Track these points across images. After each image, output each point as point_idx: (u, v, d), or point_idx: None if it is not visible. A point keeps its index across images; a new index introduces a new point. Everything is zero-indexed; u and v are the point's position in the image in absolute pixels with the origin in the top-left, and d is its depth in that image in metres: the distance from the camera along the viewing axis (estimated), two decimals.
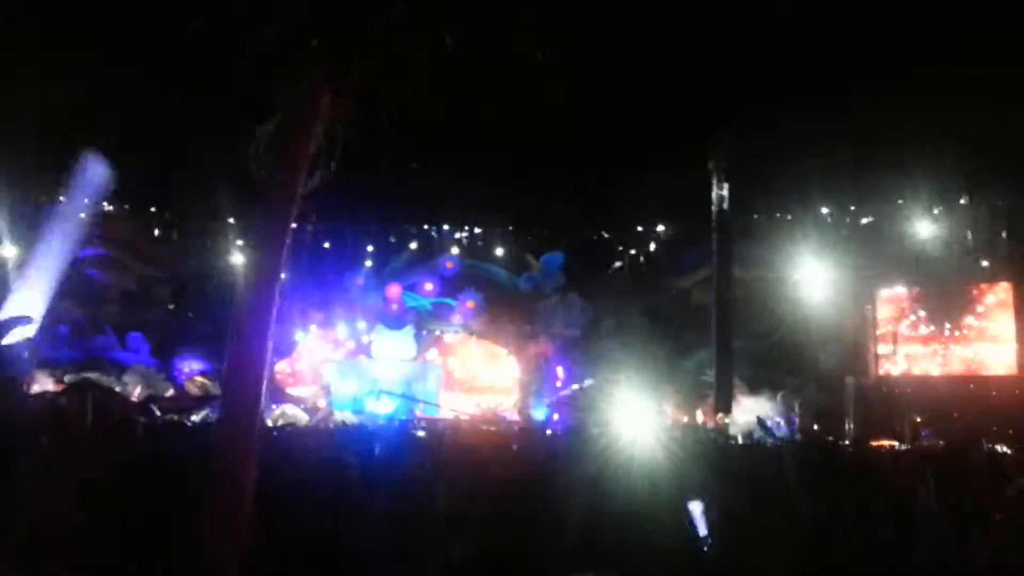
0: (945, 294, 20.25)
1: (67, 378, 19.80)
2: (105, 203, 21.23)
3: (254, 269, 1.98)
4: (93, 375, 19.98)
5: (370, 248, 26.34)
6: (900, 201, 21.40)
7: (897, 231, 21.86)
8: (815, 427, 18.50)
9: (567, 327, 25.53)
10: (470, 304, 26.23)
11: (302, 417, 18.26)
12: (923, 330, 21.08)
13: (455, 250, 26.70)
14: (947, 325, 20.29)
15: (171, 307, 23.89)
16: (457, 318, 26.34)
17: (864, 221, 22.82)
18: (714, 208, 20.12)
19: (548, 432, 16.25)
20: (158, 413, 14.51)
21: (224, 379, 1.95)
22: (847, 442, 16.16)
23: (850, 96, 18.41)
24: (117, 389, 18.76)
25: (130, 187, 21.74)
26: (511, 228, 26.11)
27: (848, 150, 18.83)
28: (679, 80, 19.44)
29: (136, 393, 19.86)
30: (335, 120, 2.03)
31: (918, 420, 18.33)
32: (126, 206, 23.53)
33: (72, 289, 22.44)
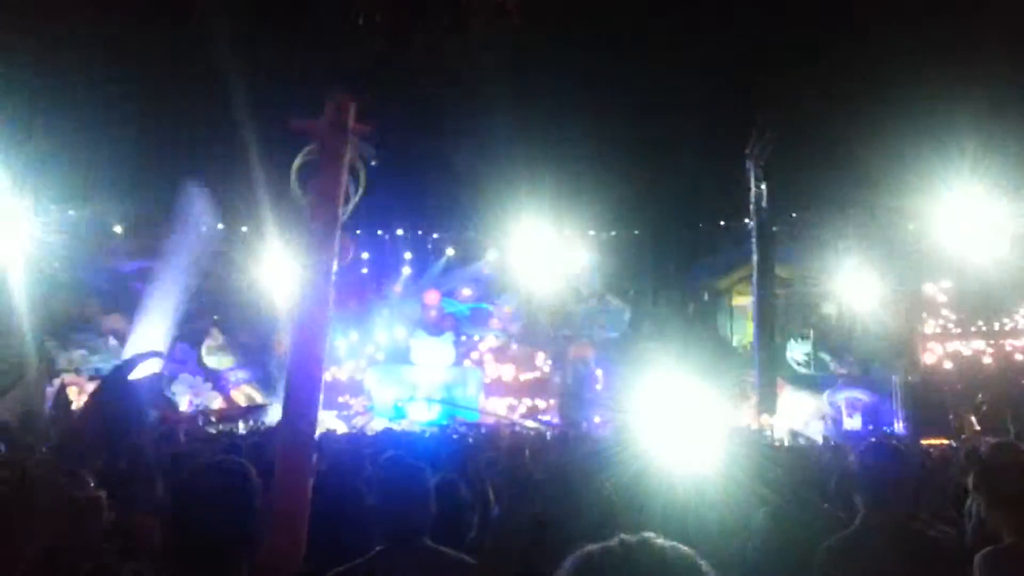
0: (994, 288, 19.73)
1: None
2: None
3: (306, 288, 2.02)
4: None
5: (408, 255, 26.49)
6: (947, 195, 20.91)
7: (943, 225, 21.36)
8: (862, 426, 18.20)
9: (606, 330, 25.42)
10: (508, 308, 26.28)
11: (339, 425, 18.46)
12: (970, 325, 20.62)
13: (492, 255, 26.76)
14: (996, 320, 19.82)
15: (215, 317, 24.31)
16: (495, 322, 26.43)
17: (909, 217, 22.33)
18: (752, 206, 19.86)
19: (587, 434, 16.20)
20: (212, 420, 14.81)
21: (285, 390, 2.00)
22: (896, 442, 15.82)
23: (893, 92, 18.07)
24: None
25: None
26: (549, 231, 26.02)
27: (890, 145, 18.47)
28: (719, 76, 19.27)
29: (185, 403, 20.30)
30: (364, 141, 2.05)
31: (972, 418, 17.93)
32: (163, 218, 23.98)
33: (119, 301, 23.05)
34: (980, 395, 18.18)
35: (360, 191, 2.24)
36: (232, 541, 2.08)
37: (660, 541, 1.10)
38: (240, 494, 2.22)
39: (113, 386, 1.55)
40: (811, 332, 22.98)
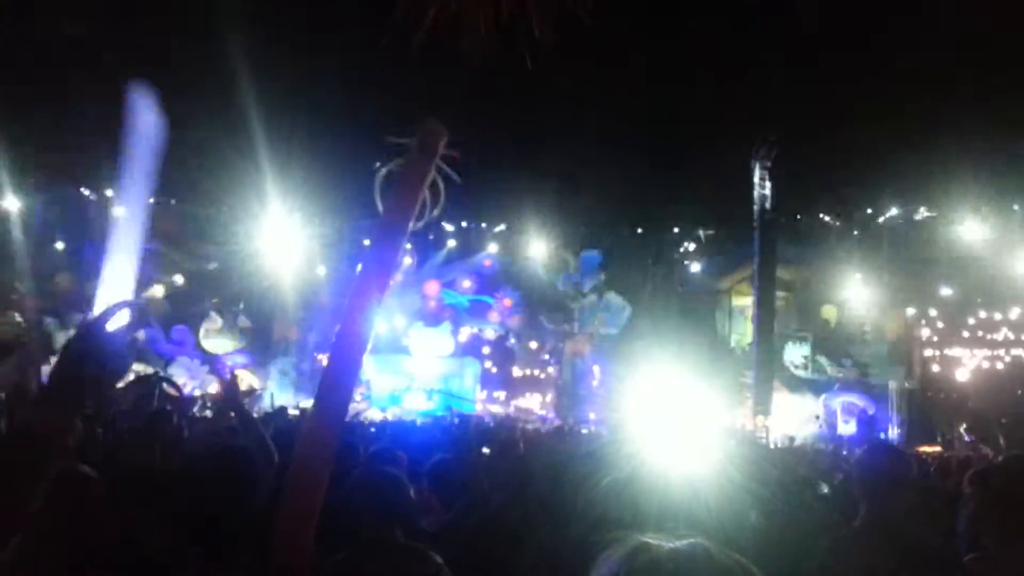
0: (993, 296, 19.75)
1: (130, 372, 20.30)
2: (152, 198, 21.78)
3: (359, 290, 2.09)
4: (139, 366, 20.46)
5: (408, 245, 26.42)
6: (948, 204, 20.91)
7: (944, 234, 21.36)
8: (857, 431, 18.23)
9: (605, 326, 25.43)
10: (507, 302, 26.28)
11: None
12: (969, 333, 20.62)
13: (493, 248, 26.74)
14: (996, 329, 19.82)
15: (215, 300, 24.31)
16: (495, 315, 26.43)
17: (911, 223, 22.34)
18: (756, 208, 19.85)
19: (584, 431, 16.23)
20: (209, 405, 14.79)
21: (323, 378, 2.04)
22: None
23: (900, 97, 18.02)
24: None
25: (184, 184, 22.25)
26: (550, 226, 26.03)
27: (894, 152, 18.46)
28: (724, 80, 19.23)
29: (183, 386, 20.26)
30: (445, 163, 2.15)
31: (964, 427, 17.95)
32: (172, 200, 23.98)
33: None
34: (970, 402, 18.21)
35: (435, 211, 2.36)
36: (236, 526, 2.12)
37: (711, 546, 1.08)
38: (246, 481, 2.25)
39: (88, 338, 1.54)
40: (810, 335, 23.01)
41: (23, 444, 1.39)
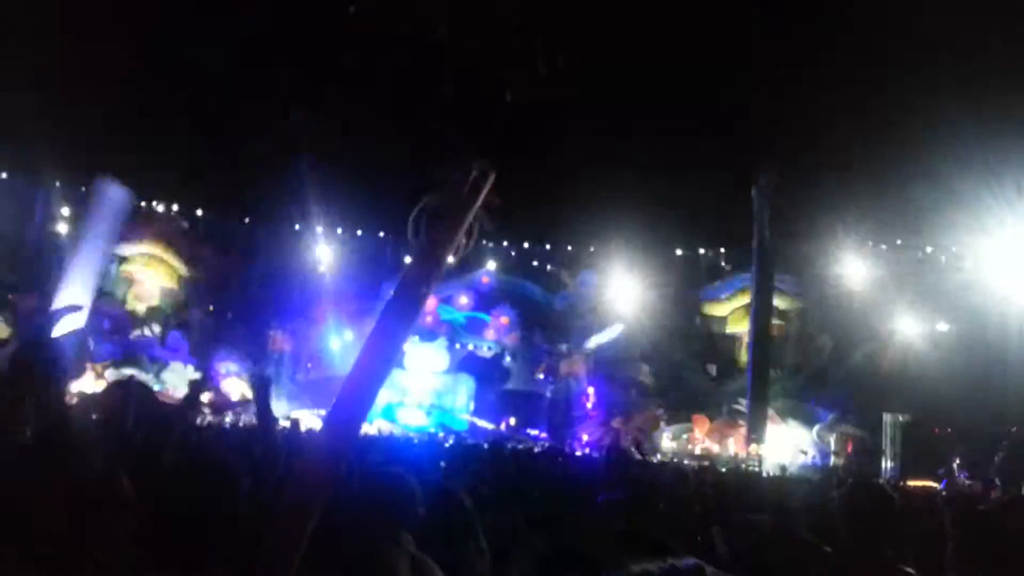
0: (992, 332, 19.71)
1: (107, 373, 20.28)
2: (143, 203, 21.95)
3: (392, 308, 2.10)
4: (132, 371, 20.39)
5: (407, 259, 26.43)
6: (947, 237, 20.94)
7: (943, 265, 21.40)
8: (851, 463, 18.13)
9: (600, 347, 25.37)
10: (504, 320, 26.25)
11: (317, 424, 18.33)
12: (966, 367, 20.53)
13: (491, 265, 26.76)
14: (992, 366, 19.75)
15: (210, 308, 24.28)
16: (491, 333, 26.39)
17: (909, 254, 22.39)
18: (755, 236, 19.88)
19: (577, 453, 16.15)
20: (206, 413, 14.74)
21: (340, 396, 2.03)
22: (883, 481, 15.77)
23: (901, 130, 18.12)
24: (156, 388, 19.07)
25: (179, 189, 22.33)
26: (548, 246, 26.09)
27: (893, 183, 18.53)
28: (725, 107, 19.37)
29: (177, 392, 20.18)
30: (485, 206, 2.18)
31: (957, 462, 17.85)
32: (174, 206, 24.02)
33: (113, 285, 23.03)
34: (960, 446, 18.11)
35: (468, 248, 2.39)
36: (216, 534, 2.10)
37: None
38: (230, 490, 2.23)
39: (34, 343, 1.62)
40: (806, 365, 22.97)
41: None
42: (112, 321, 21.92)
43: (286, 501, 2.03)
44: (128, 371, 20.49)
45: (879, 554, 2.88)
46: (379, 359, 2.19)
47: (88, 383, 19.35)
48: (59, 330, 1.58)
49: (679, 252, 26.09)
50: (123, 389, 3.63)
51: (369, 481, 2.73)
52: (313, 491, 2.03)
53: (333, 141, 18.79)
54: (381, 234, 26.08)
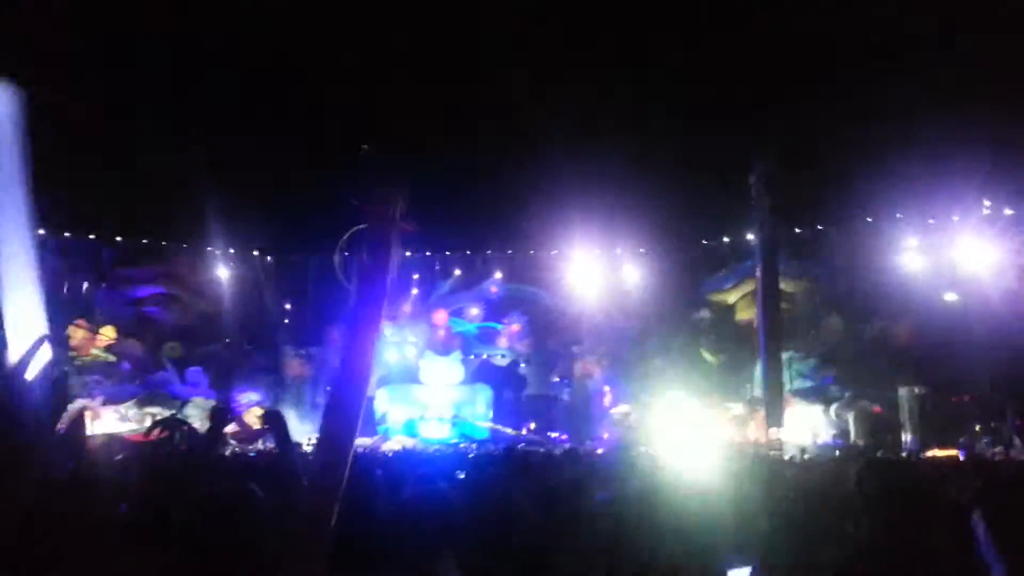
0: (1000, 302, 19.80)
1: (130, 413, 20.61)
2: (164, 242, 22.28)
3: (353, 344, 2.30)
4: (156, 409, 20.69)
5: (416, 276, 26.74)
6: (950, 212, 21.05)
7: (948, 241, 21.49)
8: (870, 439, 18.23)
9: (613, 346, 25.54)
10: (515, 327, 26.46)
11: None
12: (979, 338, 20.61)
13: (499, 274, 26.98)
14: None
15: (227, 341, 24.57)
16: (503, 341, 26.60)
17: (913, 232, 22.47)
18: (757, 222, 20.02)
19: (598, 451, 16.32)
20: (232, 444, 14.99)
21: (325, 416, 2.19)
22: (904, 454, 15.90)
23: (901, 107, 18.21)
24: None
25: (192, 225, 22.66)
26: (554, 252, 26.25)
27: (895, 162, 18.64)
28: (726, 93, 19.47)
29: (200, 427, 20.41)
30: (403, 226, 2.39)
31: (978, 429, 17.96)
32: (184, 244, 24.36)
33: (132, 327, 23.36)
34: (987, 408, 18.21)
35: (398, 266, 2.55)
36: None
37: None
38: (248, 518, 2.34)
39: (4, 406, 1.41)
40: (817, 346, 23.06)
41: None
42: (132, 362, 22.24)
43: (300, 513, 2.23)
44: (152, 410, 20.82)
45: (904, 531, 2.97)
46: (354, 376, 2.40)
47: (111, 424, 19.68)
48: (32, 372, 1.46)
49: (680, 245, 26.20)
50: (169, 427, 3.85)
51: (413, 498, 2.87)
52: (321, 500, 2.23)
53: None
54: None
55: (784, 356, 20.25)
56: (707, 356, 24.33)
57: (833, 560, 3.14)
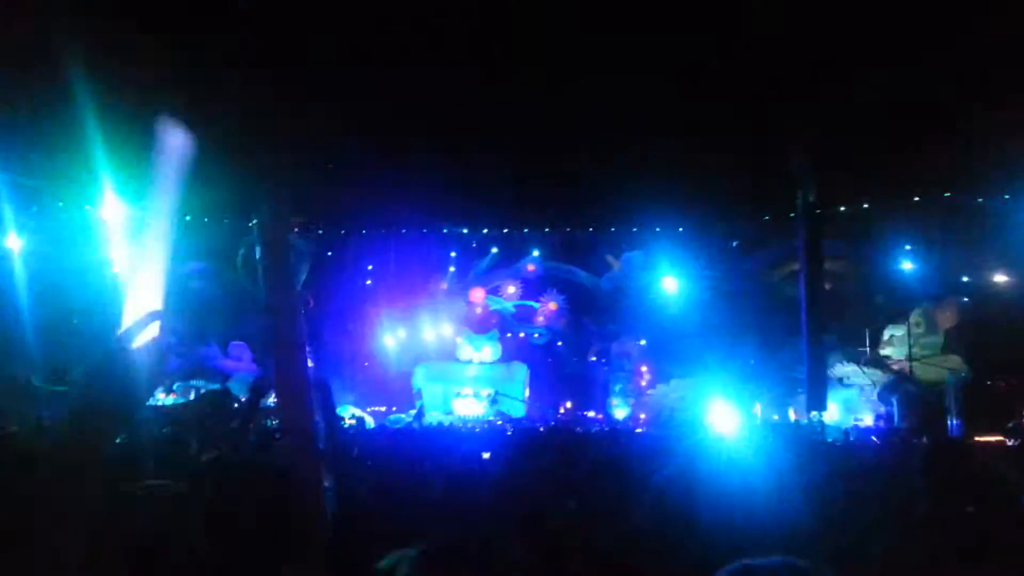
0: None
1: (175, 387, 21.07)
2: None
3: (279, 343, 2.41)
4: (200, 383, 21.12)
5: (453, 254, 26.81)
6: (999, 188, 20.41)
7: (995, 218, 20.86)
8: (915, 422, 17.91)
9: (651, 325, 25.37)
10: (552, 305, 26.42)
11: (368, 419, 18.69)
12: None
13: (536, 252, 26.93)
14: None
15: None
16: (540, 319, 26.60)
17: (964, 210, 21.84)
18: (799, 200, 19.61)
19: (636, 431, 16.28)
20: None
21: (281, 409, 2.29)
22: (951, 439, 15.57)
23: (945, 85, 17.61)
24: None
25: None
26: (591, 229, 26.07)
27: (943, 137, 18.08)
28: (763, 68, 18.98)
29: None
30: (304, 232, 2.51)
31: None
32: (225, 220, 24.62)
33: (175, 300, 23.76)
34: None
35: (303, 275, 2.59)
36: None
37: None
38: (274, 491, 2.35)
39: (108, 366, 1.45)
40: (862, 327, 22.65)
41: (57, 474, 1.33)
42: (178, 336, 22.65)
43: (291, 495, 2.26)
44: (196, 383, 21.25)
45: (961, 514, 2.91)
46: (291, 370, 2.43)
47: (157, 397, 20.13)
48: (139, 342, 1.51)
49: (720, 224, 25.86)
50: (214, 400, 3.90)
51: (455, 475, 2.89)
52: (305, 480, 2.29)
53: None
54: (424, 231, 26.40)
55: (827, 337, 19.88)
56: (747, 336, 24.00)
57: (886, 548, 3.08)
